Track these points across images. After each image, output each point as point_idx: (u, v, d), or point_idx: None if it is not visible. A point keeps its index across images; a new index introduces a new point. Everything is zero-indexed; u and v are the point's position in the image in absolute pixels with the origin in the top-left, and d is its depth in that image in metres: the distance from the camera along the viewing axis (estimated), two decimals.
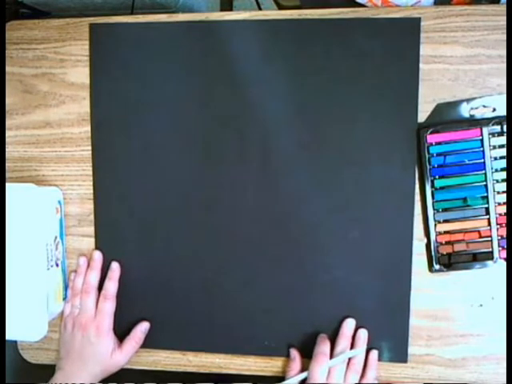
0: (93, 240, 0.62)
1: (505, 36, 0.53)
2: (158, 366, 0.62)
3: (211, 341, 0.61)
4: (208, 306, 0.60)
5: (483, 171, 0.54)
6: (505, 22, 0.53)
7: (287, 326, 0.59)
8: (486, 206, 0.54)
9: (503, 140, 0.54)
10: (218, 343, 0.60)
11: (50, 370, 0.59)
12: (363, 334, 0.56)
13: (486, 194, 0.54)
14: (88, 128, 0.61)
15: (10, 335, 0.55)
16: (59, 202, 0.61)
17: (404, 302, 0.57)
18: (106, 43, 0.60)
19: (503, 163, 0.54)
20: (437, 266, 0.56)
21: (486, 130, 0.54)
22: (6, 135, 0.62)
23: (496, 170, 0.54)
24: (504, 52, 0.54)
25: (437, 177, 0.55)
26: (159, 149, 0.59)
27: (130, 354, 0.59)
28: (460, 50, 0.55)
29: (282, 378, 0.57)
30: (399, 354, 0.58)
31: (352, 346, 0.56)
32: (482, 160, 0.54)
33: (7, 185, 0.55)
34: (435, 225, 0.55)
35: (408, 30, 0.55)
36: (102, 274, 0.61)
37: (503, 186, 0.54)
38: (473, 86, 0.55)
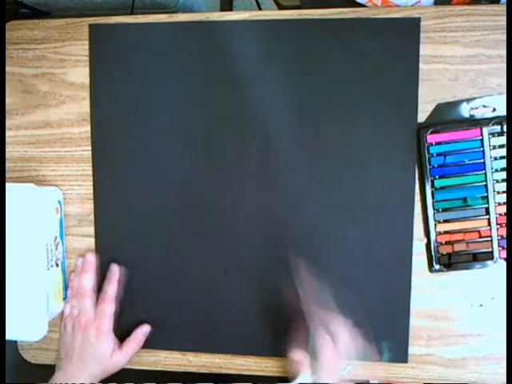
0: (93, 240, 0.62)
1: (505, 36, 0.53)
2: (158, 366, 0.62)
3: (211, 341, 0.61)
4: (208, 306, 0.60)
5: (483, 171, 0.54)
6: (505, 22, 0.53)
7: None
8: (486, 205, 0.54)
9: (503, 140, 0.54)
10: (218, 343, 0.60)
11: (49, 370, 0.59)
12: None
13: (486, 194, 0.54)
14: (88, 128, 0.61)
15: (10, 335, 0.55)
16: (59, 202, 0.61)
17: (404, 302, 0.57)
18: (106, 43, 0.59)
19: (503, 163, 0.54)
20: (437, 266, 0.56)
21: (485, 130, 0.54)
22: (6, 135, 0.62)
23: (496, 170, 0.54)
24: (504, 52, 0.54)
25: (437, 177, 0.55)
26: (159, 149, 0.59)
27: (129, 355, 0.59)
28: (460, 49, 0.55)
29: (282, 378, 0.57)
30: (399, 354, 0.58)
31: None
32: (482, 160, 0.54)
33: (7, 185, 0.55)
34: (435, 225, 0.55)
35: (408, 30, 0.55)
36: (102, 275, 0.60)
37: (503, 186, 0.54)
38: (473, 86, 0.55)
